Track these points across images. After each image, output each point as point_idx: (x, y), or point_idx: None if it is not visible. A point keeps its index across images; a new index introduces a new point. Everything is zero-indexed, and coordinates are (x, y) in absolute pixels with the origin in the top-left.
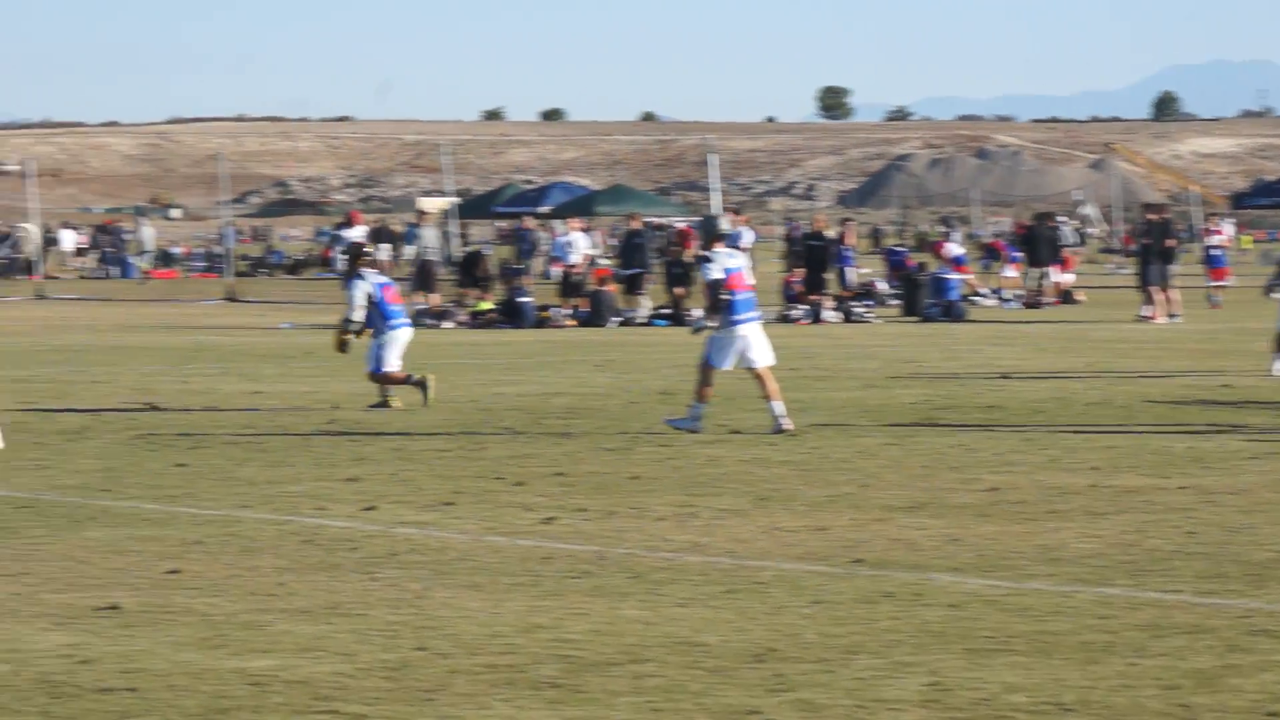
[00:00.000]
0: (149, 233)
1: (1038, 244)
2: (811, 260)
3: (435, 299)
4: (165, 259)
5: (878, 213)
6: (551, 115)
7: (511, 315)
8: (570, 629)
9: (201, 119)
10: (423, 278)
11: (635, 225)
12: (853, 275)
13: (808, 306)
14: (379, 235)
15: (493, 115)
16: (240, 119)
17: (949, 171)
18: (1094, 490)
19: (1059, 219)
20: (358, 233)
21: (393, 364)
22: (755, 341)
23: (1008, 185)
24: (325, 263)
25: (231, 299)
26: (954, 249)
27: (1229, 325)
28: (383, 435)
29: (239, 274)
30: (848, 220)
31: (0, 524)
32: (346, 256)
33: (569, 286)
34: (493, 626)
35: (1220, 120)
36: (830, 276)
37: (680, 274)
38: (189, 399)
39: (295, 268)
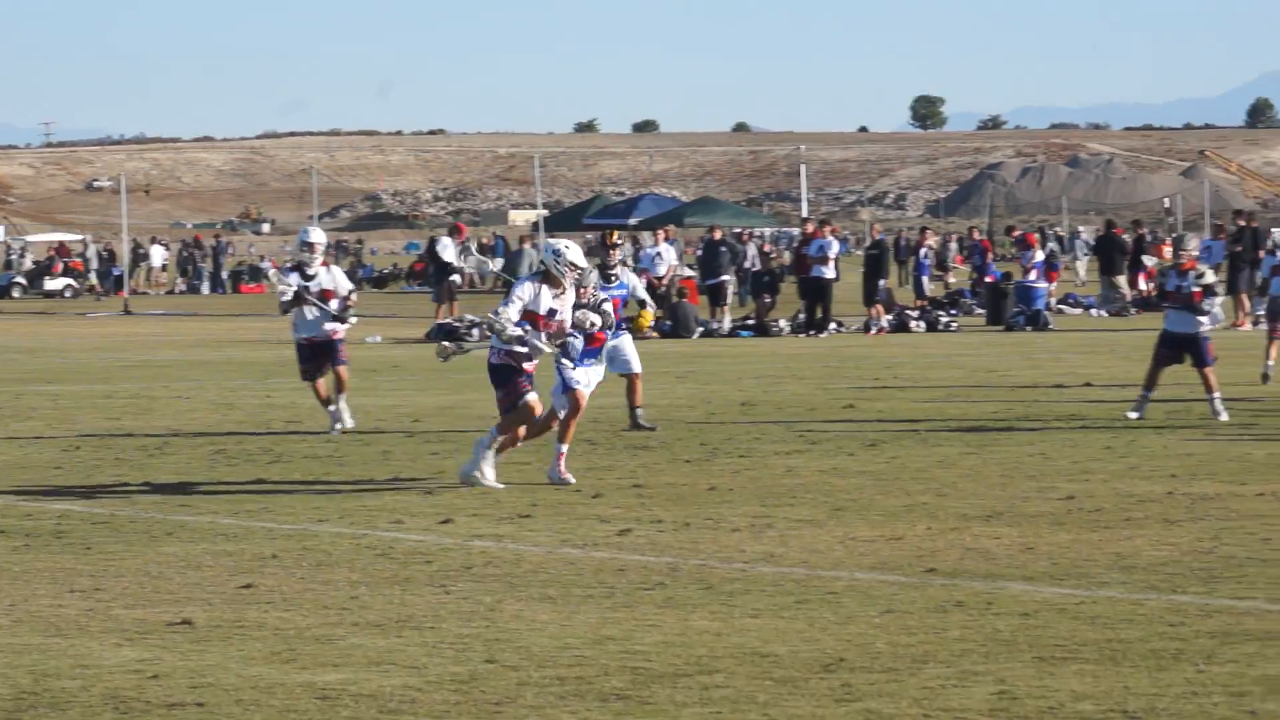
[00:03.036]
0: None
1: (1111, 252)
2: (871, 270)
3: None
4: (254, 274)
5: (967, 222)
6: (644, 127)
7: None
8: (640, 640)
9: (295, 133)
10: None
11: (717, 236)
12: (930, 284)
13: (890, 316)
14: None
15: (586, 127)
16: (334, 133)
17: (1040, 180)
18: (1171, 498)
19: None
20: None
21: None
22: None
23: (1099, 193)
24: (414, 276)
25: None
26: (1037, 256)
27: None
28: (465, 449)
29: None
30: (925, 229)
31: (77, 539)
32: None
33: (653, 298)
34: (563, 639)
35: None
36: (887, 284)
37: (768, 284)
38: (270, 414)
39: (383, 281)
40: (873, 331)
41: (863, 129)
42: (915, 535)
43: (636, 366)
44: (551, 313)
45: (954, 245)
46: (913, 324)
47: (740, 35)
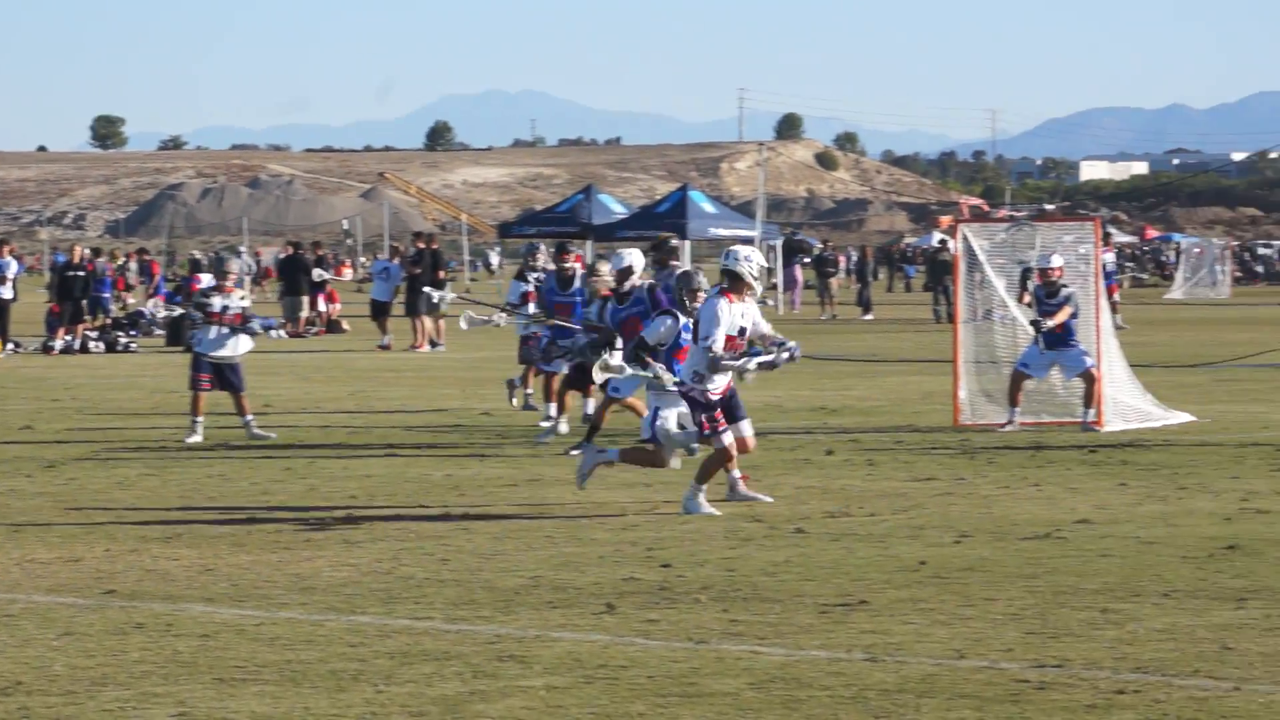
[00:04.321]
0: None
1: (295, 273)
2: (66, 291)
3: None
4: None
5: (147, 242)
6: None
7: None
8: None
9: None
10: None
11: None
12: (113, 305)
13: (70, 337)
14: None
15: None
16: None
17: (221, 201)
18: (350, 519)
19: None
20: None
21: None
22: None
23: (280, 214)
24: None
25: None
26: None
27: (492, 354)
28: None
29: None
30: (99, 252)
31: None
32: None
33: None
34: None
35: (492, 150)
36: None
37: None
38: None
39: None
40: (54, 351)
41: (42, 148)
42: (94, 557)
43: None
44: (741, 330)
45: (134, 265)
46: (93, 345)
47: None
